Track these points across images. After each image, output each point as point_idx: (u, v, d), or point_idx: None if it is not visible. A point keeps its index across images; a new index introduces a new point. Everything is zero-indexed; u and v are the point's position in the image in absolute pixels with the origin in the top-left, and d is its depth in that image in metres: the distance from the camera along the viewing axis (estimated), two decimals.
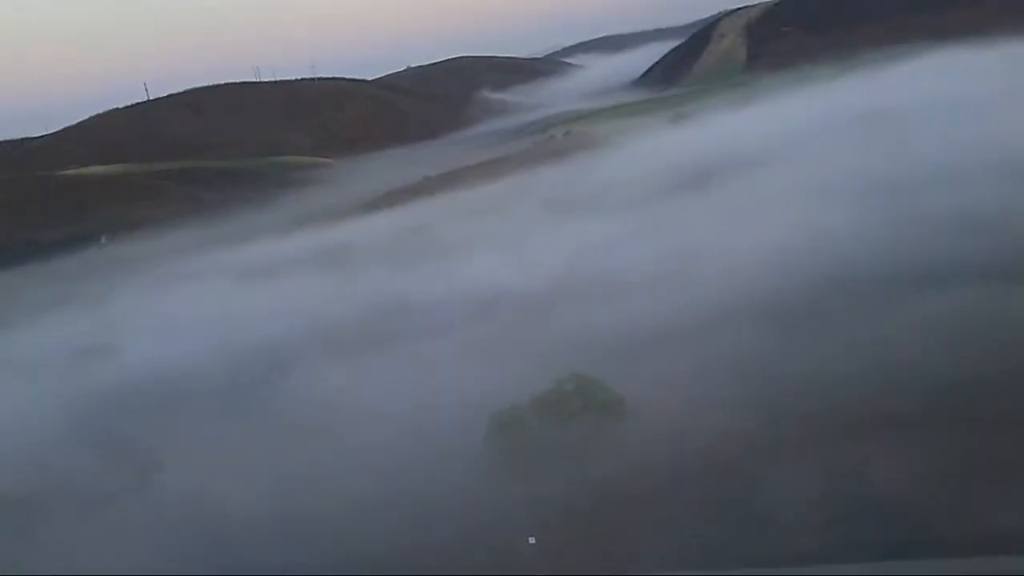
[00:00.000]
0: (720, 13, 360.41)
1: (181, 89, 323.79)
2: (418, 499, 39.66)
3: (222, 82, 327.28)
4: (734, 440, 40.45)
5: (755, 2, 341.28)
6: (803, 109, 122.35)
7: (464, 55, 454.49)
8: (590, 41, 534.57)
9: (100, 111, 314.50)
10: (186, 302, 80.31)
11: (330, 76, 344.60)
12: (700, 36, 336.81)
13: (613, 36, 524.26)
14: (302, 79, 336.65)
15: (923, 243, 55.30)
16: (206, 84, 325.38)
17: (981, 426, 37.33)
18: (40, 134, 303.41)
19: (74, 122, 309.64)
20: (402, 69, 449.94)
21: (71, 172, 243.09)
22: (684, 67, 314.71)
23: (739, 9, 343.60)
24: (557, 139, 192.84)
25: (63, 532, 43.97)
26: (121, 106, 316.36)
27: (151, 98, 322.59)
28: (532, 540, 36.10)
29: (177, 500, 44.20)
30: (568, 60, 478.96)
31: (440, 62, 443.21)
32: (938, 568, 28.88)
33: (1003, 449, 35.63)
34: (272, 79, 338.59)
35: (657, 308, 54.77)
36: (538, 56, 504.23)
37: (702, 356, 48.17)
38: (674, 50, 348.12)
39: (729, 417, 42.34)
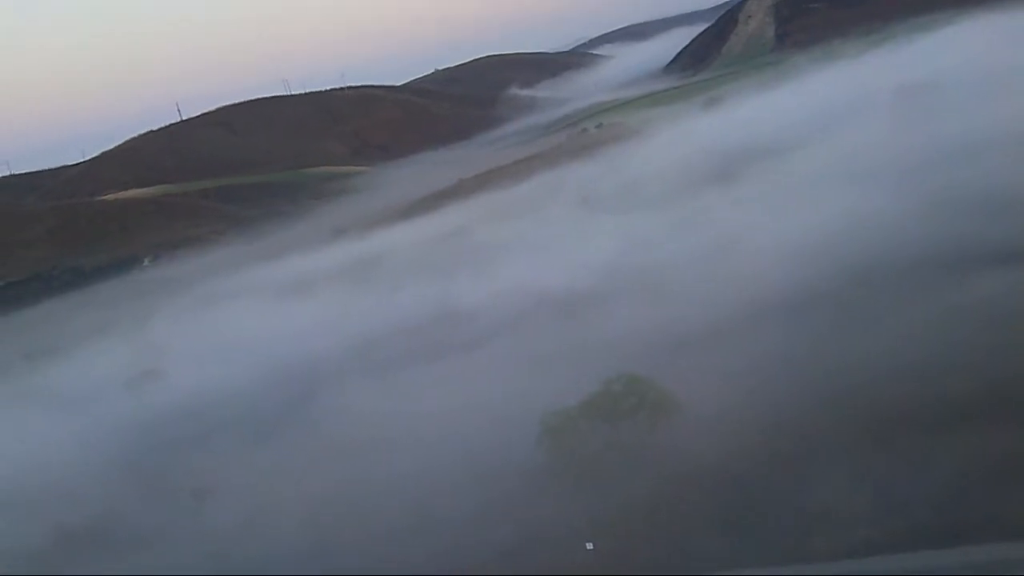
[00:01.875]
0: None
1: (213, 107, 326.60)
2: (472, 509, 39.46)
3: (253, 97, 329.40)
4: (791, 434, 39.85)
5: None
6: (836, 86, 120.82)
7: (491, 54, 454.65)
8: (616, 31, 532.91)
9: (135, 134, 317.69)
10: (231, 322, 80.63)
11: (360, 84, 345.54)
12: (727, 18, 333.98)
13: (639, 24, 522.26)
14: (332, 89, 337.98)
15: (971, 221, 53.99)
16: (237, 101, 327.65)
17: None
18: (77, 161, 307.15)
19: (110, 147, 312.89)
20: (430, 72, 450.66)
21: (110, 197, 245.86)
22: (712, 51, 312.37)
23: None
24: (589, 132, 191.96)
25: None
26: (155, 128, 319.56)
27: (184, 118, 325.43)
28: (590, 546, 35.82)
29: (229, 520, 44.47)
30: (595, 52, 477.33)
31: (467, 63, 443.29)
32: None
33: None
34: (302, 91, 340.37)
35: (706, 300, 54.12)
36: (565, 50, 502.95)
37: (754, 348, 47.45)
38: (701, 34, 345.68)
39: (788, 410, 41.67)
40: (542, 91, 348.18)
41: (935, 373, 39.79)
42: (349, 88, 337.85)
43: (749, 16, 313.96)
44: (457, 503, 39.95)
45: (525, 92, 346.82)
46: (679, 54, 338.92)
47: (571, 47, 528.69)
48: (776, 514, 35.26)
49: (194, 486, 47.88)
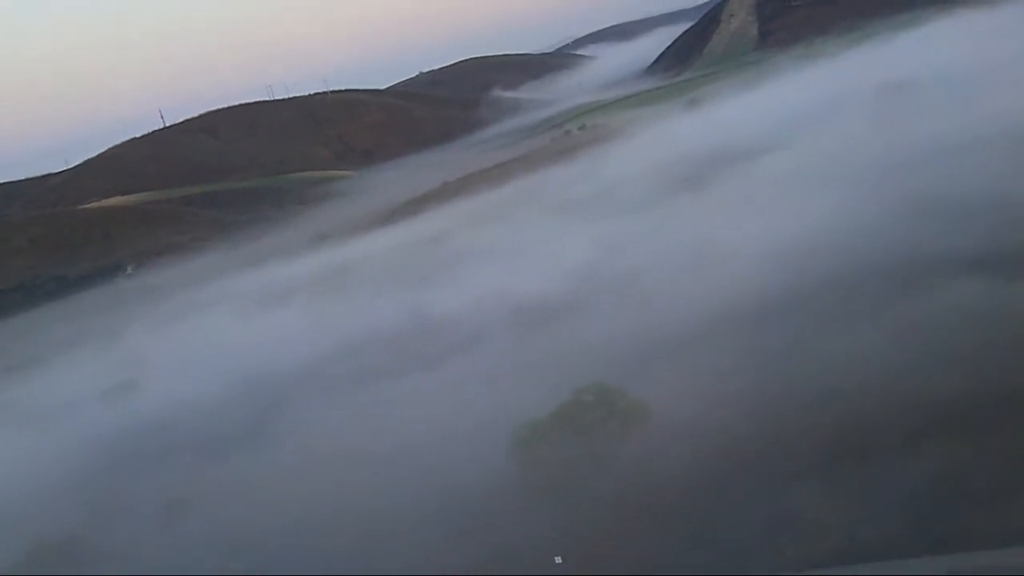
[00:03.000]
0: None
1: (196, 113, 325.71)
2: (441, 522, 39.22)
3: (236, 103, 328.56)
4: (761, 442, 39.65)
5: None
6: (815, 86, 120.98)
7: (474, 56, 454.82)
8: (600, 31, 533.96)
9: (118, 141, 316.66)
10: (207, 332, 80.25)
11: (343, 88, 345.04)
12: (709, 18, 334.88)
13: (622, 24, 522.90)
14: (316, 93, 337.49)
15: (945, 225, 53.70)
16: (221, 106, 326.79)
17: None
18: (61, 169, 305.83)
19: (93, 155, 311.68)
20: (414, 75, 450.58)
21: (93, 205, 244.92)
22: (695, 50, 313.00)
23: None
24: (572, 134, 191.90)
25: None
26: (138, 135, 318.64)
27: (167, 124, 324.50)
28: (559, 560, 35.62)
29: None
30: (579, 52, 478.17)
31: (451, 65, 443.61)
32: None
33: None
34: (286, 96, 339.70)
35: (679, 307, 53.84)
36: (548, 51, 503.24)
37: (726, 356, 47.17)
38: (684, 34, 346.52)
39: (758, 418, 41.44)
40: (526, 93, 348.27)
41: (903, 383, 39.57)
42: (332, 92, 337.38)
43: (731, 15, 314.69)
44: (427, 515, 39.65)
45: (509, 94, 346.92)
46: (662, 54, 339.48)
47: (555, 48, 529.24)
48: (745, 523, 35.11)
49: (167, 499, 47.51)
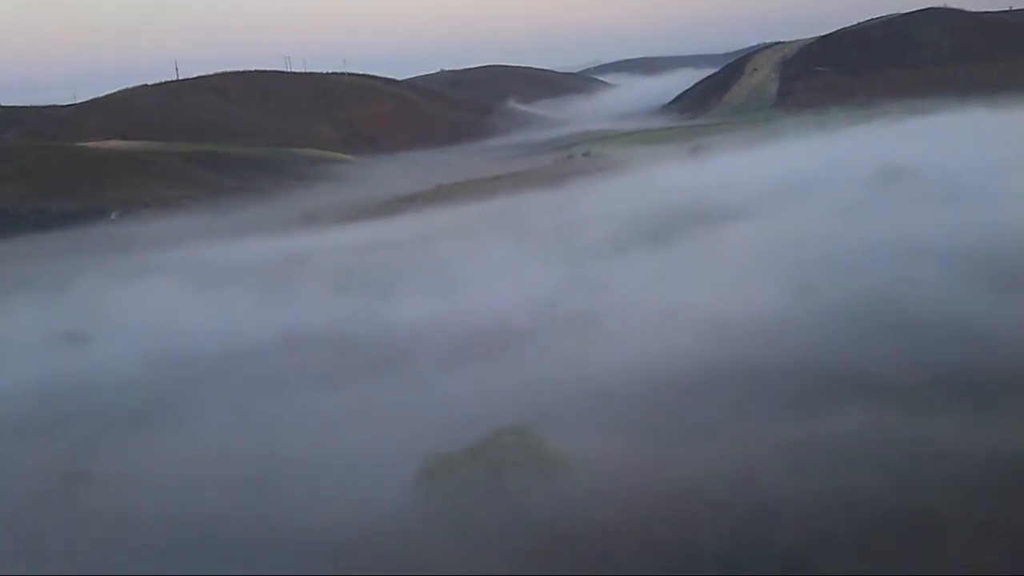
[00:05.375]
0: (758, 45, 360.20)
1: (211, 72, 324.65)
2: (318, 547, 38.21)
3: (251, 69, 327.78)
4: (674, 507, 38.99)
5: (793, 38, 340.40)
6: (816, 157, 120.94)
7: (498, 63, 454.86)
8: (626, 60, 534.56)
9: (129, 86, 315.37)
10: (152, 298, 78.95)
11: (360, 72, 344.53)
12: (734, 67, 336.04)
13: (650, 58, 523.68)
14: (332, 73, 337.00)
15: (878, 337, 52.80)
16: (236, 69, 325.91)
17: None
18: (66, 103, 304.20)
19: (102, 94, 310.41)
20: (435, 71, 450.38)
21: (91, 144, 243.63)
22: (714, 97, 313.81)
23: (777, 44, 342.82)
24: (575, 159, 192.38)
25: None
26: (150, 83, 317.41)
27: (180, 78, 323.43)
28: None
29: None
30: (602, 78, 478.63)
31: (473, 68, 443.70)
32: None
33: None
34: (302, 70, 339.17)
35: (618, 359, 53.17)
36: (573, 71, 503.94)
37: (654, 416, 46.57)
38: (707, 78, 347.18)
39: (676, 483, 40.78)
40: (541, 109, 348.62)
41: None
42: (349, 75, 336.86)
43: (755, 69, 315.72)
44: (303, 541, 38.48)
45: (524, 107, 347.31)
46: (681, 94, 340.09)
47: (579, 69, 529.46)
48: None
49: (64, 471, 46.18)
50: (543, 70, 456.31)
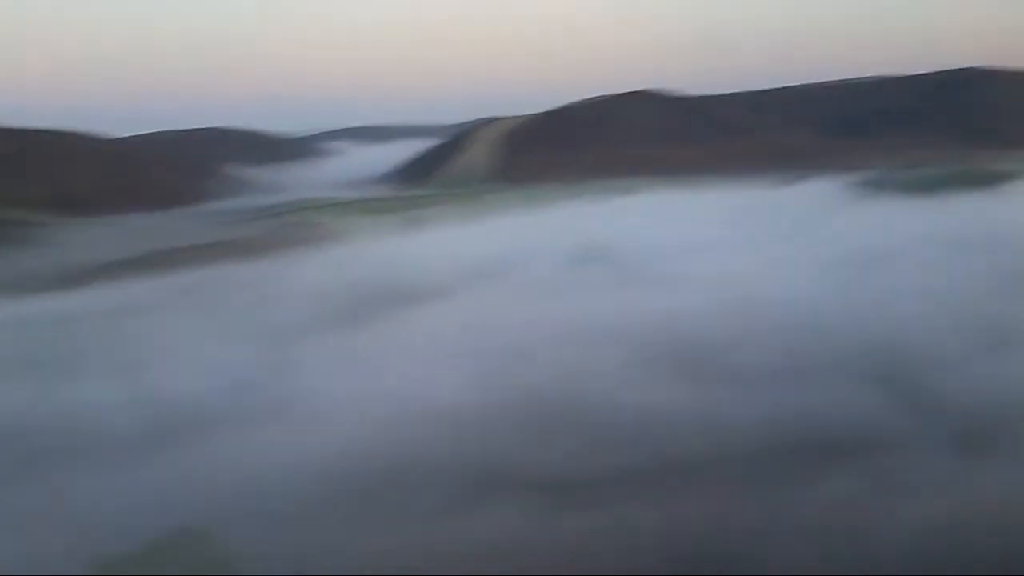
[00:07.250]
0: (481, 119, 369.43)
1: None
2: None
3: None
4: None
5: (514, 114, 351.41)
6: (519, 235, 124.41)
7: (222, 126, 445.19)
8: (353, 128, 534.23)
9: None
10: None
11: (69, 130, 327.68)
12: (455, 140, 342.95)
13: (377, 127, 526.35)
14: (38, 129, 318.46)
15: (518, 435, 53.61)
16: None
17: None
18: None
19: None
20: (154, 131, 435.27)
21: None
22: (435, 168, 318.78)
23: (498, 119, 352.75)
24: (288, 227, 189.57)
25: None
26: None
27: None
28: None
29: None
30: (327, 144, 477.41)
31: (195, 129, 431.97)
32: None
33: None
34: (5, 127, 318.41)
35: (302, 453, 51.71)
36: (299, 135, 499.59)
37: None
38: (430, 149, 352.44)
39: None
40: (263, 173, 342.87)
41: None
42: (56, 132, 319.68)
43: (475, 141, 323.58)
44: None
45: (246, 171, 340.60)
46: (406, 165, 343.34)
47: (306, 135, 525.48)
48: None
49: None
50: (267, 134, 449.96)
